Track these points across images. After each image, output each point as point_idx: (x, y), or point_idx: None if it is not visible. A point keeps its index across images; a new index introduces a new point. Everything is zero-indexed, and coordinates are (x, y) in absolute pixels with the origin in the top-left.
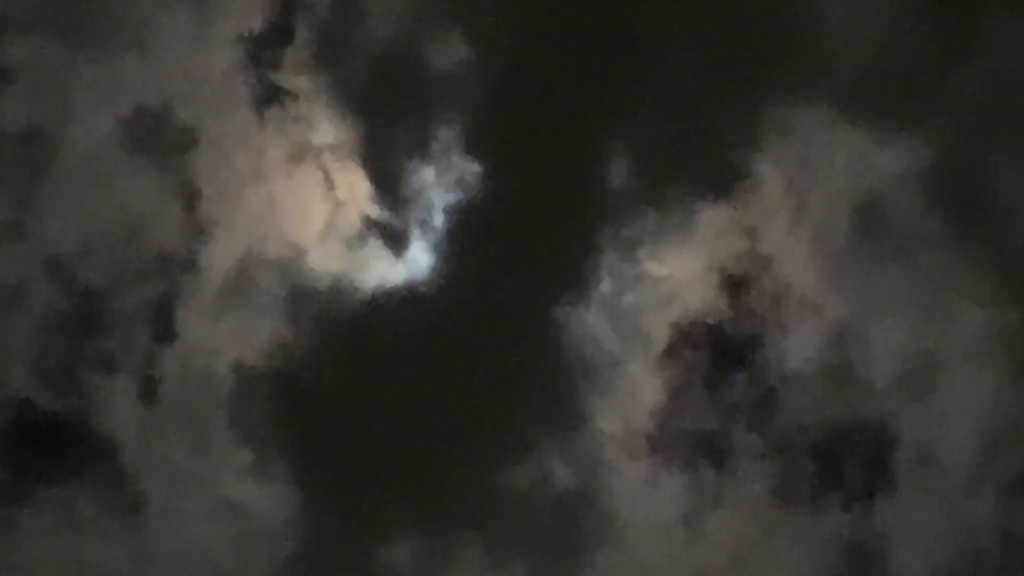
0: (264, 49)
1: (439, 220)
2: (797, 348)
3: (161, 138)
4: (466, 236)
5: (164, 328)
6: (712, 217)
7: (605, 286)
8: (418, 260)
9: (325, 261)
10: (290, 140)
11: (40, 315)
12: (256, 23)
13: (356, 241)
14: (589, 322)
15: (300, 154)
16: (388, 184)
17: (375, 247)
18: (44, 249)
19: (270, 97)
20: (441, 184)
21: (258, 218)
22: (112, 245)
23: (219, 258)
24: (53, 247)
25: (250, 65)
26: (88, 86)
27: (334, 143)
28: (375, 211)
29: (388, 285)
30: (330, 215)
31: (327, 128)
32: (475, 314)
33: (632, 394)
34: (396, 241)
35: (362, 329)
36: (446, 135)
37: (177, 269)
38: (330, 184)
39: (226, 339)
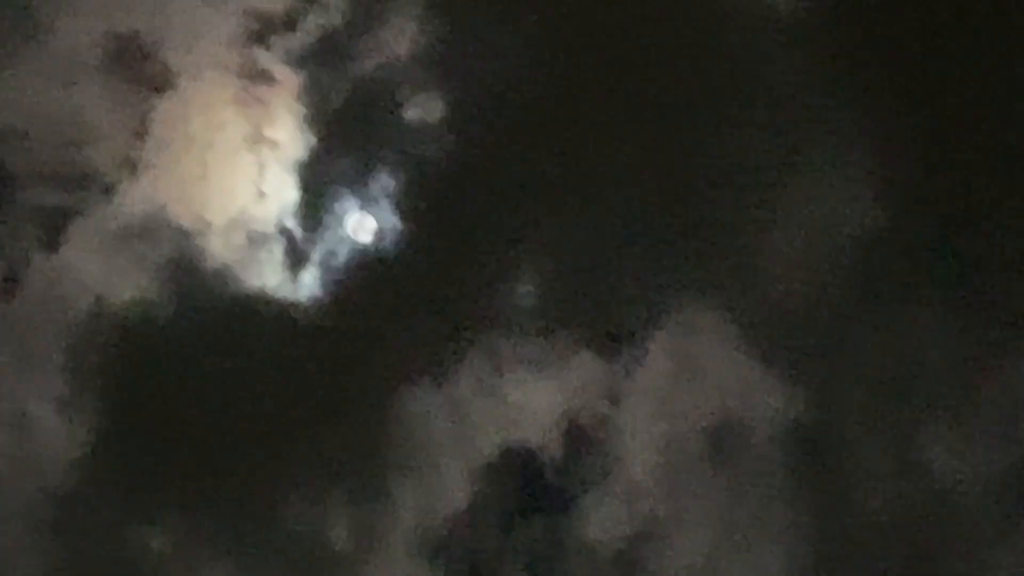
0: (269, 29)
1: (341, 259)
2: (603, 522)
3: (141, 70)
4: (355, 287)
5: (51, 238)
6: (586, 370)
7: (460, 387)
8: (303, 287)
9: (224, 246)
10: (250, 120)
11: None
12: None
13: (259, 239)
14: (430, 416)
15: (254, 137)
16: (313, 202)
17: (274, 253)
18: None
19: (254, 75)
20: (359, 227)
21: (189, 181)
22: (47, 139)
23: (135, 200)
24: None
25: (249, 39)
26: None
27: (283, 141)
28: (289, 220)
29: (264, 293)
30: (248, 206)
31: (286, 124)
32: (335, 361)
33: (436, 493)
34: (295, 258)
35: (220, 322)
36: (384, 182)
37: (94, 189)
38: (261, 177)
39: (102, 275)
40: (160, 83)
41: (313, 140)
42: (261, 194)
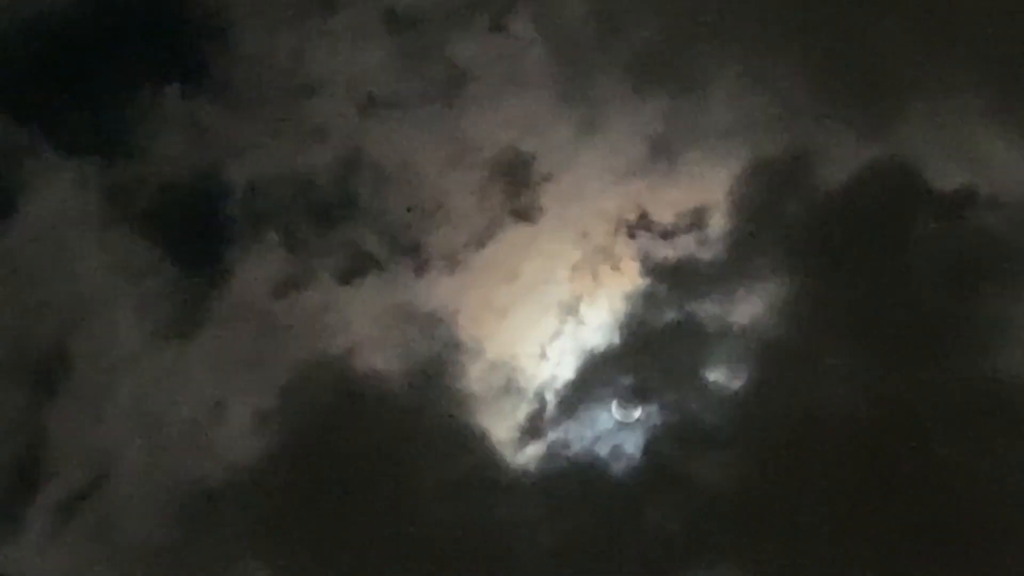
0: (644, 224)
1: (569, 452)
2: None
3: (516, 191)
4: (563, 482)
5: (347, 275)
6: None
7: None
8: (520, 454)
9: (481, 377)
10: (576, 289)
11: None
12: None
13: (515, 391)
14: None
15: (569, 306)
16: (580, 393)
17: (518, 411)
18: None
19: (606, 254)
20: (604, 434)
21: (491, 306)
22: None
23: (435, 290)
24: None
25: (623, 222)
26: None
27: (591, 324)
28: (550, 393)
29: (486, 436)
30: (525, 358)
31: (603, 312)
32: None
33: None
34: (532, 426)
35: (435, 435)
36: (653, 416)
37: (409, 259)
38: (552, 342)
39: (365, 333)
40: (523, 211)
41: (616, 340)
42: (543, 355)
